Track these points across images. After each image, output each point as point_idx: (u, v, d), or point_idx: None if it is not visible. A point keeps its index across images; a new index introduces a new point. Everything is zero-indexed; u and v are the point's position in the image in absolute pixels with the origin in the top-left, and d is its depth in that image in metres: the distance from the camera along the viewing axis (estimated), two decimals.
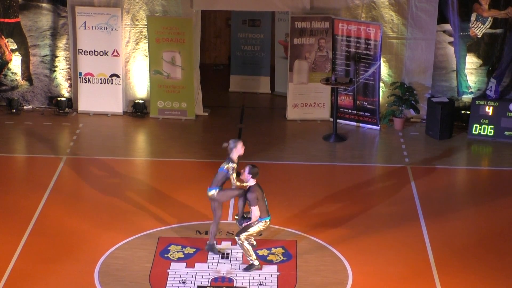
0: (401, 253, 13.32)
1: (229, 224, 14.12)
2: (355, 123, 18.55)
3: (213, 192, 12.82)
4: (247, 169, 12.63)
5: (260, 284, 12.43)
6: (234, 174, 12.76)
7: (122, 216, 14.34)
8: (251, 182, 12.65)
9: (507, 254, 13.37)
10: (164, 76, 18.59)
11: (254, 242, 13.11)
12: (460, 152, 17.45)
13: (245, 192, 12.79)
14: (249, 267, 12.79)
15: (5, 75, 19.03)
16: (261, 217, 12.66)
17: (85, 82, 18.77)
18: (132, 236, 13.67)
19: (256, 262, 12.78)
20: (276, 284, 12.43)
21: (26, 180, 15.93)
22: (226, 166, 12.76)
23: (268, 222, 12.74)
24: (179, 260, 13.02)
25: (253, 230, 12.68)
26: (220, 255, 13.10)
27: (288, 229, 13.94)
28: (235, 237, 12.75)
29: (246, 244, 12.69)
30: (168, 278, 12.52)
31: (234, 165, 12.79)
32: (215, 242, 13.15)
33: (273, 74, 20.50)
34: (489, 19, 18.06)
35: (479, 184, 16.17)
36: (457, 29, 18.17)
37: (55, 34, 18.74)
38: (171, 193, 15.16)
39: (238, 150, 12.85)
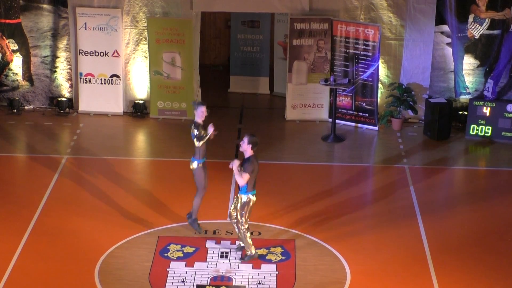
0: (399, 253, 13.33)
1: (228, 224, 14.13)
2: (353, 124, 18.56)
3: (192, 164, 13.23)
4: (245, 139, 12.62)
5: (259, 283, 12.43)
6: (195, 132, 13.00)
7: (122, 215, 14.35)
8: (249, 153, 12.63)
9: (504, 254, 13.38)
10: (164, 77, 18.60)
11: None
12: (458, 153, 17.46)
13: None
14: (245, 257, 12.92)
15: (6, 76, 19.04)
16: (248, 191, 12.69)
17: (86, 83, 18.78)
18: (132, 235, 13.67)
19: (253, 251, 12.88)
20: (275, 283, 12.44)
21: (27, 179, 15.94)
22: (191, 131, 13.05)
23: (254, 198, 12.78)
24: (178, 259, 13.02)
25: (246, 210, 12.73)
26: (220, 254, 13.13)
27: (286, 229, 13.94)
28: (236, 228, 12.83)
29: (246, 232, 12.81)
30: (168, 277, 12.53)
31: (192, 126, 13.01)
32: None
33: (272, 75, 20.51)
34: (487, 20, 18.08)
35: (476, 184, 16.18)
36: (455, 30, 18.18)
37: (55, 35, 18.75)
38: (171, 193, 15.16)
39: (198, 113, 13.05)
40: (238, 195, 12.83)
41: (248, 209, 12.78)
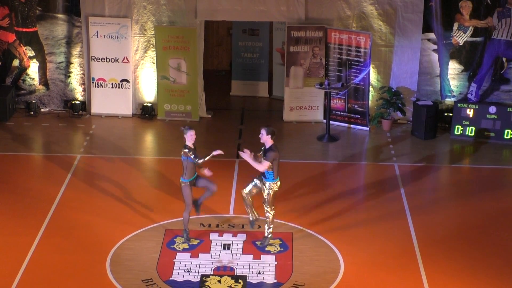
0: (389, 244, 13.33)
1: (229, 218, 14.13)
2: (346, 125, 18.55)
3: (181, 181, 13.12)
4: (263, 131, 12.75)
5: (259, 273, 12.43)
6: (192, 156, 12.87)
7: (132, 210, 14.35)
8: (270, 142, 12.74)
9: (486, 246, 13.38)
10: (170, 81, 18.59)
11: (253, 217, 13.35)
12: (443, 151, 17.45)
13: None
14: (264, 241, 13.13)
15: (24, 80, 19.04)
16: (274, 178, 12.82)
17: (98, 87, 18.77)
18: (140, 228, 13.68)
19: (270, 235, 13.14)
20: (274, 273, 12.44)
21: (43, 177, 15.94)
22: (183, 154, 12.91)
23: (279, 183, 12.93)
24: (184, 250, 13.02)
25: (271, 196, 12.87)
26: (222, 246, 13.13)
27: (284, 222, 13.94)
28: (267, 214, 12.98)
29: (271, 216, 13.04)
30: (174, 267, 12.53)
31: (186, 150, 12.86)
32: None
33: (271, 80, 20.49)
34: (470, 28, 18.07)
35: (460, 180, 16.17)
36: (441, 38, 18.18)
37: (70, 43, 18.74)
38: (177, 189, 15.12)
39: (188, 137, 12.92)
40: (264, 182, 12.90)
41: (273, 195, 12.90)
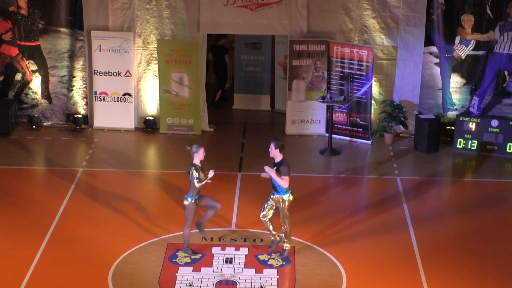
0: (391, 258, 13.34)
1: (232, 231, 14.14)
2: (348, 138, 18.58)
3: (185, 198, 13.05)
4: (272, 145, 12.84)
5: (261, 287, 12.44)
6: (195, 174, 12.81)
7: (134, 223, 14.36)
8: (279, 156, 12.85)
9: (489, 259, 13.39)
10: (172, 95, 18.65)
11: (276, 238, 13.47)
12: (446, 165, 17.47)
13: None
14: (283, 253, 13.20)
15: (26, 94, 19.10)
16: (286, 190, 12.93)
17: (100, 101, 18.82)
18: (143, 242, 13.69)
19: (288, 247, 13.22)
20: (276, 287, 12.44)
21: (46, 190, 15.97)
22: (190, 172, 12.86)
23: (292, 197, 13.10)
24: (186, 264, 13.04)
25: (285, 209, 12.99)
26: (224, 260, 13.15)
27: None
28: (283, 226, 13.09)
29: (287, 229, 13.15)
30: (176, 281, 12.54)
31: (193, 169, 12.83)
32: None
33: (273, 93, 20.54)
34: (472, 41, 18.12)
35: (463, 194, 16.18)
36: (443, 51, 18.23)
37: (72, 56, 18.81)
38: (179, 203, 15.10)
39: (199, 155, 12.89)
40: (275, 196, 12.98)
41: (288, 208, 13.07)
